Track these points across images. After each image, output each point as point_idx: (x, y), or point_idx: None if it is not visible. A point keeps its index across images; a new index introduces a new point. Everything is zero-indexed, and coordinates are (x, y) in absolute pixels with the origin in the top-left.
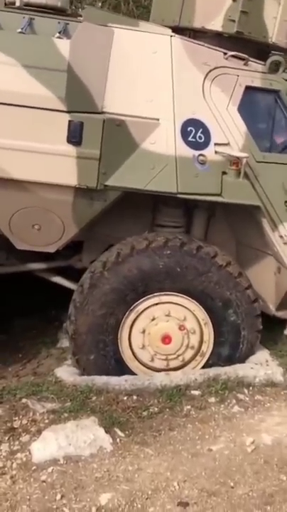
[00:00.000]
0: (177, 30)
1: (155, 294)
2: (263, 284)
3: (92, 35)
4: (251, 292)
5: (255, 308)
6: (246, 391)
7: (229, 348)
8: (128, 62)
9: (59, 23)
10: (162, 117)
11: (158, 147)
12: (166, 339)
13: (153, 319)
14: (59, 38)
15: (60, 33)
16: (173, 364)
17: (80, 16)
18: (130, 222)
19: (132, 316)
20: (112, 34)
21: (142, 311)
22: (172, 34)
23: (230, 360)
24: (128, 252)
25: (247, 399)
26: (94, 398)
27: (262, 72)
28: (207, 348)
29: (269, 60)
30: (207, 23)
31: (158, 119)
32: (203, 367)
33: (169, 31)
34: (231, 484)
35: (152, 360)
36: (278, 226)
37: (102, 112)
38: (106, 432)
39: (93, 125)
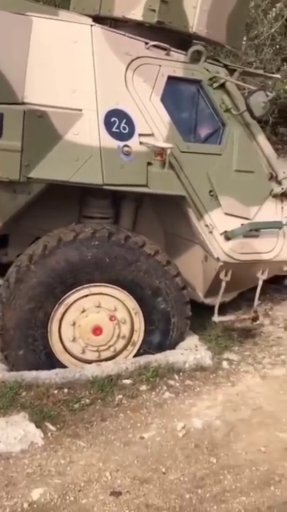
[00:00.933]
0: (98, 19)
1: (85, 285)
2: (191, 273)
3: (10, 24)
4: (180, 280)
5: (184, 295)
6: (176, 377)
7: (159, 336)
8: (48, 52)
9: None
10: (85, 108)
11: (82, 138)
12: (97, 330)
13: (83, 311)
14: None
15: None
16: (105, 355)
17: None
18: (57, 214)
19: (61, 309)
20: (31, 23)
21: (71, 304)
22: (93, 23)
23: (161, 348)
24: (55, 245)
25: (178, 384)
26: (24, 394)
27: (184, 62)
28: (138, 337)
29: (190, 50)
30: (127, 13)
31: (81, 110)
32: (135, 356)
33: (89, 20)
34: (163, 470)
35: (83, 352)
36: (203, 215)
37: (23, 103)
38: (37, 426)
39: (13, 116)
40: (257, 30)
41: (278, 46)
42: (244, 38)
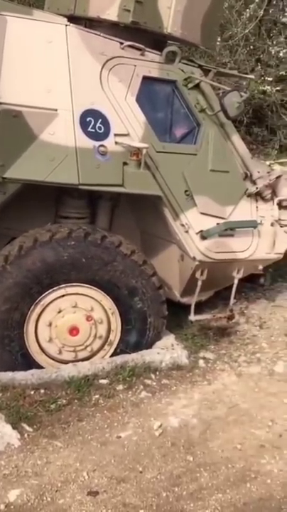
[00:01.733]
0: (73, 19)
1: (61, 285)
2: (167, 272)
3: None
4: (156, 279)
5: (160, 294)
6: (153, 376)
7: (136, 336)
8: (23, 51)
9: None
10: (60, 108)
11: (57, 138)
12: (74, 331)
13: (60, 311)
14: None
15: None
16: (82, 355)
17: None
18: (33, 214)
19: (38, 309)
20: (5, 23)
21: (48, 304)
22: (68, 23)
23: (138, 347)
24: (31, 245)
25: (154, 384)
26: None
27: (159, 63)
28: (115, 336)
29: (165, 50)
30: (102, 13)
31: (56, 110)
32: (111, 356)
33: (64, 20)
34: (140, 469)
35: (60, 352)
36: (179, 215)
37: None
38: (14, 427)
39: None
40: (231, 31)
41: (251, 47)
42: (218, 39)
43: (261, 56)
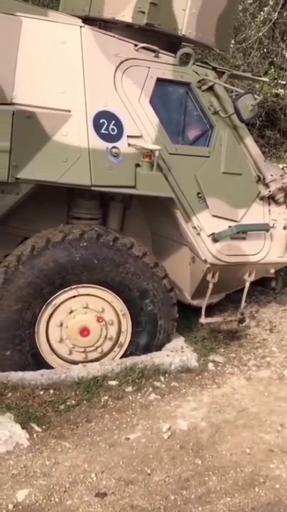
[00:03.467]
0: (88, 20)
1: (73, 286)
2: (178, 274)
3: None
4: (167, 282)
5: (171, 297)
6: (162, 378)
7: (146, 338)
8: (37, 52)
9: None
10: (74, 109)
11: (71, 139)
12: (84, 331)
13: (71, 312)
14: None
15: None
16: (92, 356)
17: None
18: (45, 215)
19: (49, 309)
20: (20, 24)
21: (59, 305)
22: (82, 24)
23: (148, 350)
24: (43, 245)
25: (163, 386)
26: (9, 394)
27: (173, 65)
28: (125, 338)
29: (179, 52)
30: (117, 14)
31: (69, 111)
32: (121, 357)
33: (79, 21)
34: (148, 471)
35: (70, 353)
36: (191, 217)
37: (12, 103)
38: (23, 427)
39: (2, 117)
40: (245, 33)
41: (265, 50)
42: (232, 42)
43: (275, 59)
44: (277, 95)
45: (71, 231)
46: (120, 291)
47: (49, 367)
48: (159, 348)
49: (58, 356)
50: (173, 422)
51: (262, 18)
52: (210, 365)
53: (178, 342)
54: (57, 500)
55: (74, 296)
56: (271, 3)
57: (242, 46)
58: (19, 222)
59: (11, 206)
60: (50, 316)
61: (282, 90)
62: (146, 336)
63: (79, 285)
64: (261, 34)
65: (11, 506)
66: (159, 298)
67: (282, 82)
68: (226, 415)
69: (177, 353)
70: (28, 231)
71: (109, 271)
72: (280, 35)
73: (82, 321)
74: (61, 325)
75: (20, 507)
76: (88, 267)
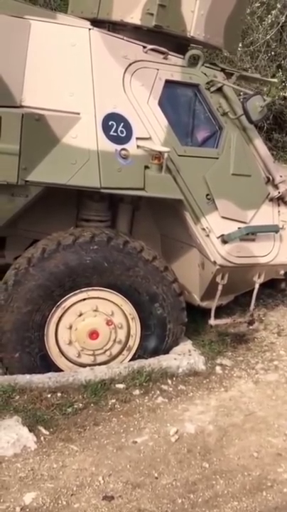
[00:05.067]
0: (96, 22)
1: (83, 289)
2: (187, 276)
3: (8, 27)
4: (177, 286)
5: (180, 301)
6: (169, 382)
7: (155, 342)
8: (46, 55)
9: None
10: (83, 111)
11: (80, 142)
12: (93, 334)
13: (81, 315)
14: None
15: None
16: (100, 359)
17: None
18: (54, 217)
19: (59, 312)
20: (29, 26)
21: (69, 307)
22: (91, 27)
23: (156, 353)
24: (54, 248)
25: (171, 389)
26: (17, 397)
27: (181, 66)
28: (134, 342)
29: (188, 54)
30: (125, 16)
31: (78, 113)
32: (130, 361)
33: (88, 24)
34: (156, 475)
35: (79, 355)
36: (200, 219)
37: (21, 106)
38: (30, 430)
39: (11, 120)
40: (253, 36)
41: (273, 53)
42: (240, 45)
43: (282, 62)
44: (285, 98)
45: (81, 234)
46: (129, 295)
47: (57, 369)
48: (167, 352)
49: (67, 359)
50: (181, 426)
51: (270, 21)
52: (218, 369)
53: (186, 345)
54: (64, 503)
55: (84, 299)
56: (279, 6)
57: (250, 49)
58: (28, 225)
59: (21, 209)
60: (60, 318)
61: None
62: (155, 339)
63: (89, 288)
64: (268, 37)
65: (18, 509)
66: (168, 302)
67: None
68: (233, 419)
69: (184, 356)
70: (38, 233)
71: (118, 274)
72: None
73: (91, 324)
74: (70, 327)
75: (27, 510)
76: (98, 270)
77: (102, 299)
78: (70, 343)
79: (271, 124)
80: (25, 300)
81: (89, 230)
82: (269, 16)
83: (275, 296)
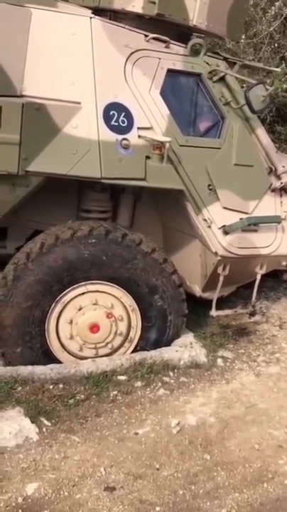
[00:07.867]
0: (97, 11)
1: (82, 283)
2: (189, 267)
3: (8, 15)
4: (176, 277)
5: (180, 292)
6: (171, 374)
7: (156, 333)
8: (47, 44)
9: None
10: (84, 101)
11: (81, 131)
12: (94, 328)
13: (80, 309)
14: None
15: None
16: (102, 352)
17: None
18: (55, 207)
19: (59, 306)
20: (30, 15)
21: (69, 302)
22: (92, 15)
23: (157, 345)
24: (52, 242)
25: (172, 381)
26: (19, 389)
27: (184, 55)
28: (135, 334)
29: (190, 43)
30: (127, 5)
31: (79, 103)
32: (132, 353)
33: (89, 12)
34: (157, 466)
35: (81, 349)
36: (201, 209)
37: (21, 96)
38: (32, 421)
39: (12, 109)
40: (256, 28)
41: (276, 45)
42: (243, 36)
43: (286, 54)
44: None
45: (80, 228)
46: (129, 287)
47: (59, 364)
48: (169, 343)
49: (69, 353)
50: (182, 417)
51: (273, 13)
52: (219, 361)
53: (187, 338)
54: (66, 494)
55: (83, 293)
56: None
57: (253, 41)
58: (29, 215)
59: (22, 199)
60: (60, 313)
61: None
62: (156, 331)
63: (88, 282)
64: (272, 29)
65: (20, 499)
66: (168, 293)
67: None
68: (235, 411)
69: (186, 348)
70: (39, 223)
71: (117, 267)
72: None
73: (91, 318)
74: (71, 322)
75: (29, 500)
76: (97, 263)
77: (102, 292)
78: (71, 337)
79: (273, 117)
80: (24, 295)
81: (88, 224)
82: (273, 7)
83: (277, 289)
